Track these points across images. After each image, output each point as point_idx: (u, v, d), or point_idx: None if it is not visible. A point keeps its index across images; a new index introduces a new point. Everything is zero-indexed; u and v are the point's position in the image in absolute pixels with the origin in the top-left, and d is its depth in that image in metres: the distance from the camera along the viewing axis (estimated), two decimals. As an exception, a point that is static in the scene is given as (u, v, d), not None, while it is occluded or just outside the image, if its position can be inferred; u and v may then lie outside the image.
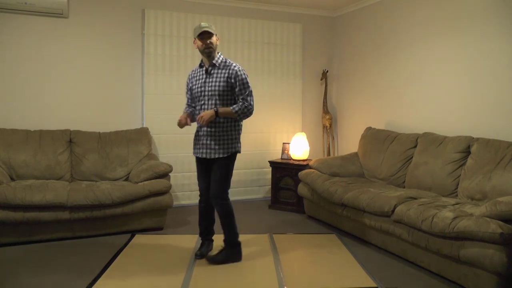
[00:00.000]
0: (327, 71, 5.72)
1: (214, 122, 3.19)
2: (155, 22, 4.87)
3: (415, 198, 3.42)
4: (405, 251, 3.32)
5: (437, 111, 4.23)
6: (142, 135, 4.67)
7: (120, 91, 4.85)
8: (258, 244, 3.48)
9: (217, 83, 3.20)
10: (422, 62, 4.40)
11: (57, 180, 4.08)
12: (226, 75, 3.20)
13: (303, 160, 5.05)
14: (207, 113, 3.11)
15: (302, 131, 5.52)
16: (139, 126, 4.89)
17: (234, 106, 3.18)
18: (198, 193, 3.43)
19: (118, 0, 4.78)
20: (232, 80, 3.20)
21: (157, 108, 4.93)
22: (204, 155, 3.24)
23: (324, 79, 5.68)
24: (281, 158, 5.24)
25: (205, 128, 3.21)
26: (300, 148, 5.08)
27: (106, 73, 4.78)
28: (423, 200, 3.33)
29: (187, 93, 3.46)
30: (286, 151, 5.23)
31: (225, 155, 3.22)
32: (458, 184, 3.59)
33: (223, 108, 3.17)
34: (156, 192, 3.98)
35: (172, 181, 4.45)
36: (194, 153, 3.33)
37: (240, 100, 3.20)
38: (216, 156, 3.21)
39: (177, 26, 4.98)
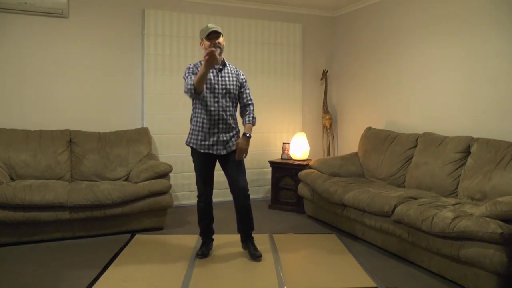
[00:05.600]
0: (327, 71, 5.72)
1: (227, 120, 3.24)
2: (155, 22, 4.87)
3: (415, 198, 3.42)
4: (405, 251, 3.32)
5: (437, 111, 4.23)
6: (142, 135, 4.67)
7: (120, 91, 4.85)
8: (258, 244, 3.47)
9: (231, 82, 3.27)
10: (422, 62, 4.40)
11: (57, 180, 4.08)
12: (235, 75, 3.32)
13: (303, 160, 5.05)
14: (247, 143, 3.23)
15: (302, 131, 5.52)
16: (139, 126, 4.89)
17: (249, 118, 3.34)
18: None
19: (118, 0, 4.78)
20: (241, 81, 3.36)
21: (157, 108, 4.93)
22: (222, 152, 3.26)
23: (324, 79, 5.68)
24: (281, 158, 5.24)
25: (221, 126, 3.24)
26: (300, 148, 5.08)
27: (106, 73, 4.78)
28: (423, 200, 3.33)
29: (190, 77, 3.15)
30: (286, 151, 5.23)
31: None
32: (458, 184, 3.59)
33: (248, 128, 3.29)
34: (156, 192, 3.98)
35: (172, 181, 4.45)
36: (204, 149, 3.26)
37: (247, 102, 3.39)
38: (234, 148, 3.29)
39: (177, 26, 4.98)
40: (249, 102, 3.40)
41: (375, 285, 2.90)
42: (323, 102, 5.67)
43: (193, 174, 5.15)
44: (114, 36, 4.78)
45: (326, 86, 5.67)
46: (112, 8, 4.76)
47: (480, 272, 2.71)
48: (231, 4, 5.28)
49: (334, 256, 3.47)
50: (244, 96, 3.39)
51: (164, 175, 4.16)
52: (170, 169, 4.19)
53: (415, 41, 4.49)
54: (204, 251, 3.40)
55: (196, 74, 3.11)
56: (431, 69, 4.29)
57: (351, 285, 2.92)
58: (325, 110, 5.65)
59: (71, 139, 4.40)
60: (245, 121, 3.35)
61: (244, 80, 3.39)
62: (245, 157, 3.27)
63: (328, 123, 5.66)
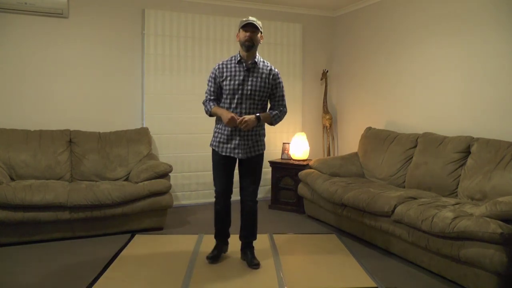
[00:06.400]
0: (327, 71, 5.72)
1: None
2: (155, 22, 4.87)
3: (415, 198, 3.42)
4: (405, 251, 3.32)
5: (437, 111, 4.23)
6: (142, 135, 4.67)
7: (120, 91, 4.85)
8: (258, 244, 3.47)
9: (258, 83, 3.11)
10: (422, 62, 4.40)
11: (57, 180, 4.08)
12: (265, 76, 3.14)
13: (303, 160, 5.05)
14: (252, 121, 3.05)
15: (302, 131, 5.52)
16: (139, 126, 4.89)
17: (272, 111, 3.21)
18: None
19: (118, 0, 4.78)
20: (272, 82, 3.17)
21: (157, 108, 4.93)
22: (242, 156, 3.15)
23: (324, 79, 5.68)
24: (281, 158, 5.24)
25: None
26: (300, 148, 5.08)
27: (106, 73, 4.78)
28: (423, 200, 3.33)
29: (211, 85, 3.21)
30: (286, 151, 5.23)
31: (262, 152, 3.27)
32: (458, 184, 3.59)
33: (263, 114, 3.15)
34: (156, 192, 3.98)
35: (172, 181, 4.45)
36: (225, 152, 3.16)
37: (277, 105, 3.23)
38: (256, 153, 3.22)
39: (177, 26, 4.98)
40: (281, 108, 3.21)
41: (375, 285, 2.90)
42: (323, 102, 5.67)
43: (193, 174, 5.22)
44: (114, 36, 4.78)
45: (326, 86, 5.67)
46: (112, 8, 4.76)
47: (480, 272, 2.71)
48: (231, 4, 5.28)
49: (334, 256, 3.47)
50: (276, 99, 3.21)
51: (164, 175, 4.16)
52: (170, 169, 4.19)
53: (415, 41, 4.49)
54: (216, 254, 3.30)
55: (215, 82, 3.18)
56: (431, 69, 4.29)
57: (351, 285, 2.92)
58: (325, 110, 5.65)
59: (71, 139, 4.40)
60: (268, 110, 3.25)
61: (278, 81, 3.18)
62: (244, 128, 3.05)
63: (328, 123, 5.66)
